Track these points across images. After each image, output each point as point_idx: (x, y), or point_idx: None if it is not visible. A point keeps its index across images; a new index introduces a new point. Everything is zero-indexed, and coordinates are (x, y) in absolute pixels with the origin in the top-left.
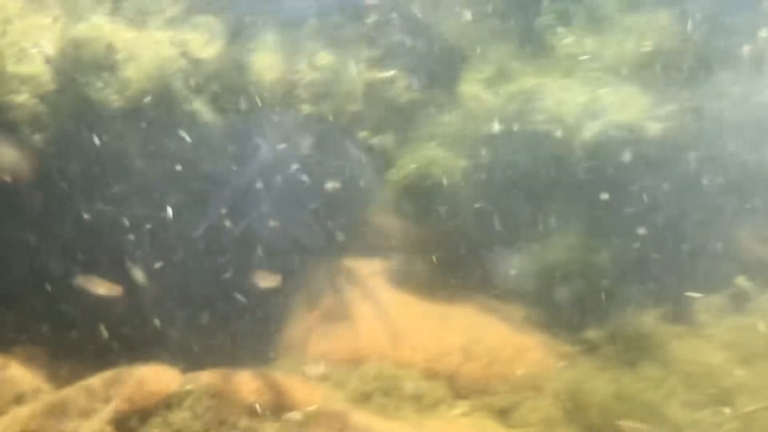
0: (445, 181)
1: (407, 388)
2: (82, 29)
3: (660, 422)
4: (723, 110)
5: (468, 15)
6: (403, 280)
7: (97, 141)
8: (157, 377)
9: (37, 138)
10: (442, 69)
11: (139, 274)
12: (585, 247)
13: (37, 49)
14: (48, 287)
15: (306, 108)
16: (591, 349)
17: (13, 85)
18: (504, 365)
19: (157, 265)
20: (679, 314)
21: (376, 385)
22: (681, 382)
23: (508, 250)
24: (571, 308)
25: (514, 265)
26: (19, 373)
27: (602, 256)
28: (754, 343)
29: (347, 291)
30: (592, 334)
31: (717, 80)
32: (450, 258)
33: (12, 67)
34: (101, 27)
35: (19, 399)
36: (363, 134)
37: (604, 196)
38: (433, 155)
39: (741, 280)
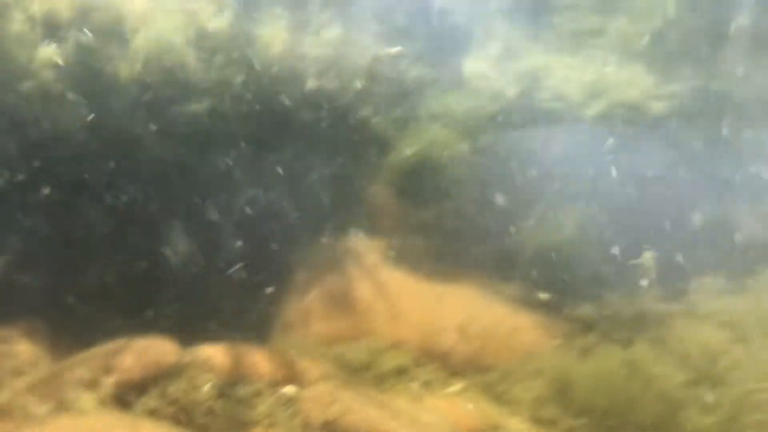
0: (446, 162)
1: (403, 365)
2: None
3: (655, 399)
4: (728, 89)
5: None
6: (402, 260)
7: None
8: (156, 349)
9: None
10: (449, 47)
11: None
12: (583, 226)
13: None
14: (49, 259)
15: (311, 82)
16: (586, 328)
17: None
18: (499, 344)
19: (156, 239)
20: (676, 293)
21: (372, 362)
22: (676, 360)
23: (507, 230)
24: (568, 287)
25: (511, 246)
26: (20, 346)
27: (600, 234)
28: (750, 323)
29: (345, 269)
30: (587, 313)
31: (723, 59)
32: (449, 238)
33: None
34: None
35: (18, 371)
36: (366, 111)
37: (605, 174)
38: (436, 135)
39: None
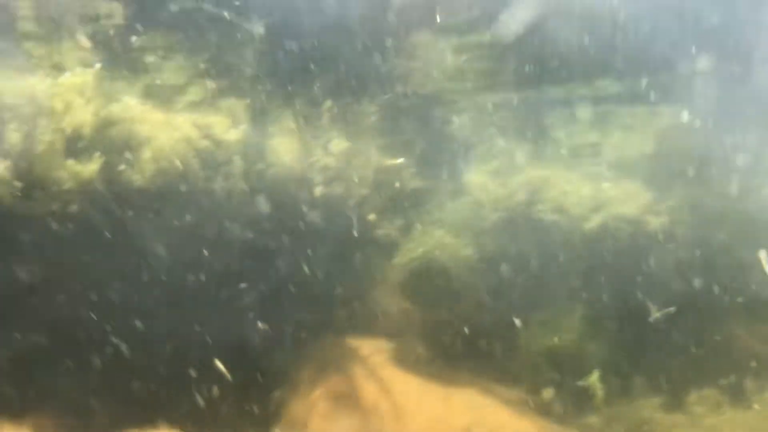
0: (450, 267)
1: None
2: (113, 110)
3: None
4: (721, 207)
5: (477, 108)
6: (407, 361)
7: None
8: None
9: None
10: (450, 159)
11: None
12: (585, 334)
13: None
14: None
15: (319, 190)
16: None
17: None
18: None
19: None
20: (678, 404)
21: None
22: None
23: (510, 335)
24: (571, 394)
25: (515, 350)
26: None
27: (602, 343)
28: None
29: (351, 370)
30: (591, 420)
31: (717, 177)
32: (453, 341)
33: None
34: (132, 108)
35: None
36: (371, 218)
37: (606, 284)
38: (439, 241)
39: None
